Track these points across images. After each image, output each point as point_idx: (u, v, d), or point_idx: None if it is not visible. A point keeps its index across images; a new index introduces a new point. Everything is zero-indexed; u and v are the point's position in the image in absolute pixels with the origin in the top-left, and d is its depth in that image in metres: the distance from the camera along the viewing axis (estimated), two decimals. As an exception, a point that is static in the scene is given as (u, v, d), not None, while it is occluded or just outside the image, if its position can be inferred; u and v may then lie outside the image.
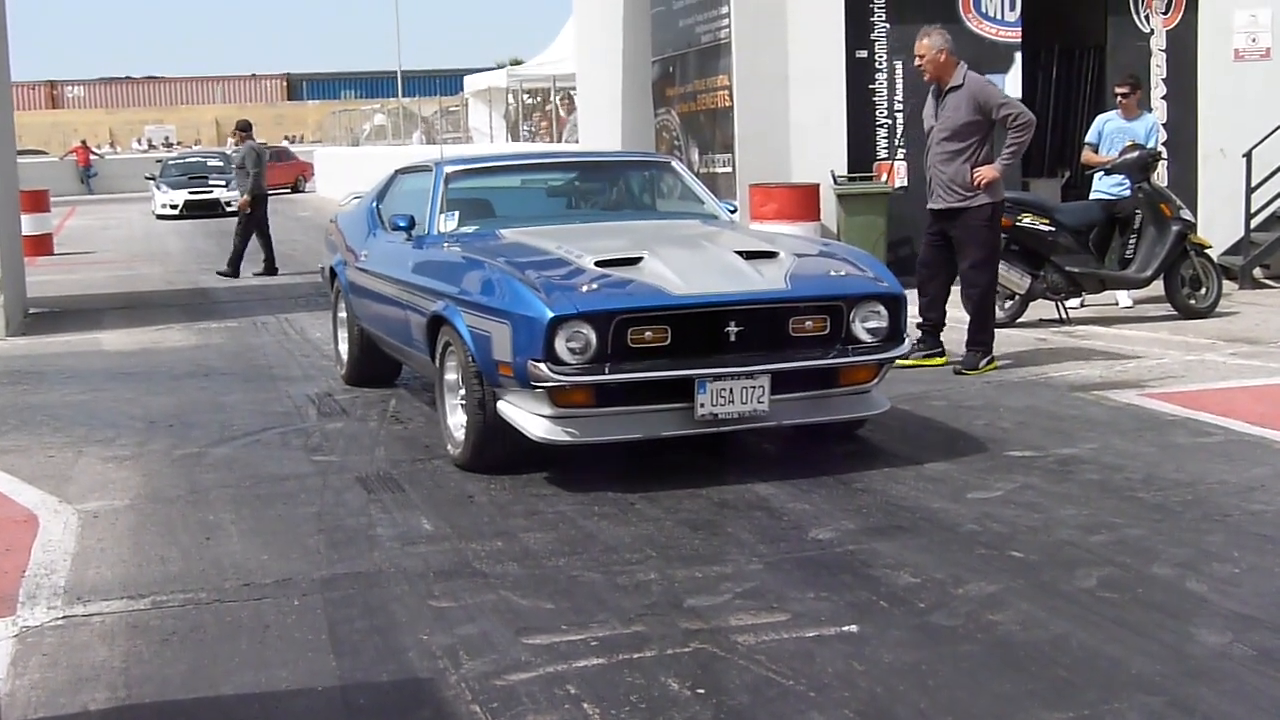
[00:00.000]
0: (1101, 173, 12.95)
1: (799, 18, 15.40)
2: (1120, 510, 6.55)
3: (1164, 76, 15.77)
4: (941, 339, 10.57)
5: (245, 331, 13.98)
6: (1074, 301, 12.71)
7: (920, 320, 10.37)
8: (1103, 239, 12.55)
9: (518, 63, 36.11)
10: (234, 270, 19.94)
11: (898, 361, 8.92)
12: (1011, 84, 15.39)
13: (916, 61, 10.43)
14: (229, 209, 36.11)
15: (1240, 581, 5.54)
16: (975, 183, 10.03)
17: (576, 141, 24.17)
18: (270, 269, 20.07)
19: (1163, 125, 14.80)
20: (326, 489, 7.43)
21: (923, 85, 15.09)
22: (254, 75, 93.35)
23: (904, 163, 15.48)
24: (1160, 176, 13.64)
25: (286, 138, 67.32)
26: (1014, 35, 15.42)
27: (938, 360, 10.40)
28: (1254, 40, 15.50)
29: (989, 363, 10.22)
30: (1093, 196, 13.11)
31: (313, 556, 6.22)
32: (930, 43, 10.24)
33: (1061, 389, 9.48)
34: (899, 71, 15.45)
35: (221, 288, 18.78)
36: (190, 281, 19.78)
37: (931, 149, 10.30)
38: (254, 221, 20.19)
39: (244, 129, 20.97)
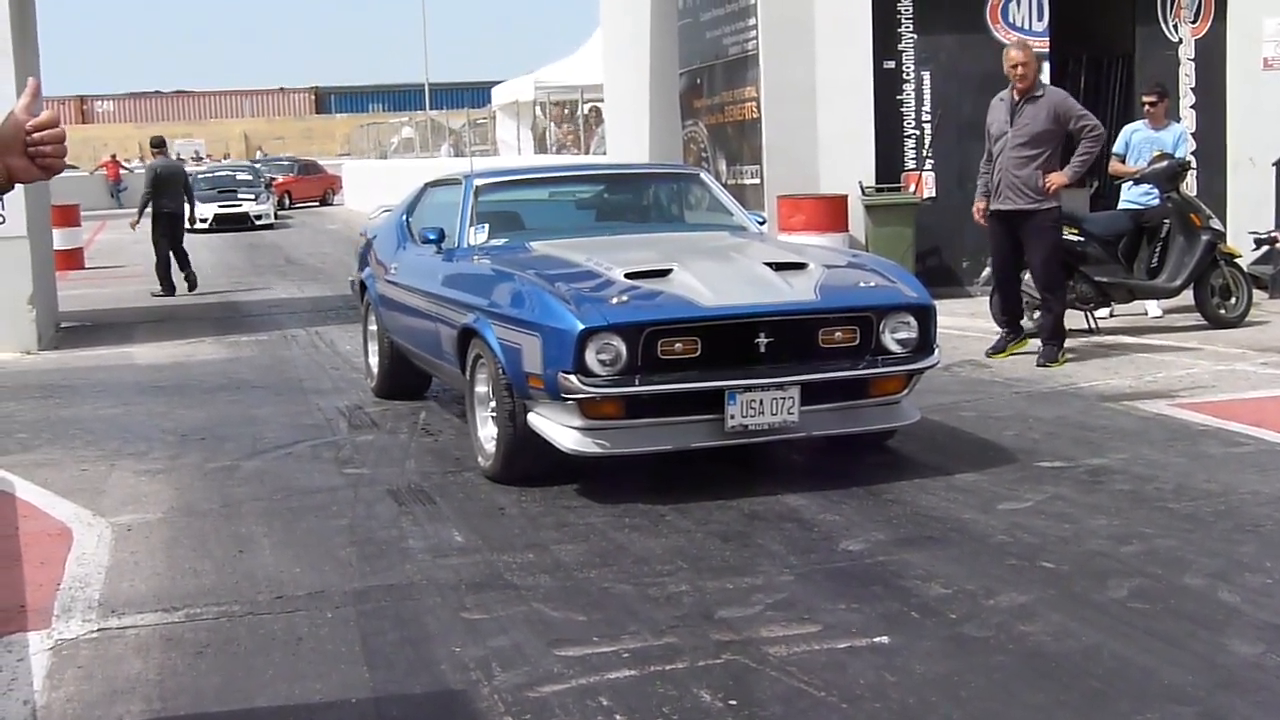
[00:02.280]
0: (1130, 182, 12.93)
1: (826, 29, 15.39)
2: (1151, 521, 6.53)
3: (1192, 85, 15.73)
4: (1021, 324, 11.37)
5: (275, 344, 14.04)
6: (1103, 311, 12.68)
7: (1002, 319, 11.29)
8: (1131, 249, 12.50)
9: (532, 72, 36.14)
10: (192, 283, 20.02)
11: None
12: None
13: (1019, 70, 10.75)
14: (258, 222, 36.31)
15: (1272, 592, 5.52)
16: (1047, 188, 10.63)
17: (604, 154, 24.20)
18: (169, 289, 19.97)
19: (1191, 134, 14.76)
20: (358, 501, 7.47)
21: (951, 95, 15.22)
22: (282, 89, 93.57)
23: (932, 173, 15.47)
24: (1189, 186, 13.59)
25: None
26: (1042, 45, 15.36)
27: (1026, 343, 11.17)
28: (1283, 49, 15.46)
29: (1062, 353, 10.94)
30: (1121, 206, 13.09)
31: (345, 569, 6.25)
32: (1032, 54, 10.94)
33: (1091, 399, 9.46)
34: (926, 82, 15.45)
35: (251, 301, 18.87)
36: (220, 295, 19.85)
37: (1005, 153, 10.76)
38: (171, 238, 20.09)
39: (157, 145, 20.90)
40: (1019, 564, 5.95)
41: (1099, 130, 10.79)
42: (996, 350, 11.14)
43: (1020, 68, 10.73)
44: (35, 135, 3.24)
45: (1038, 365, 10.73)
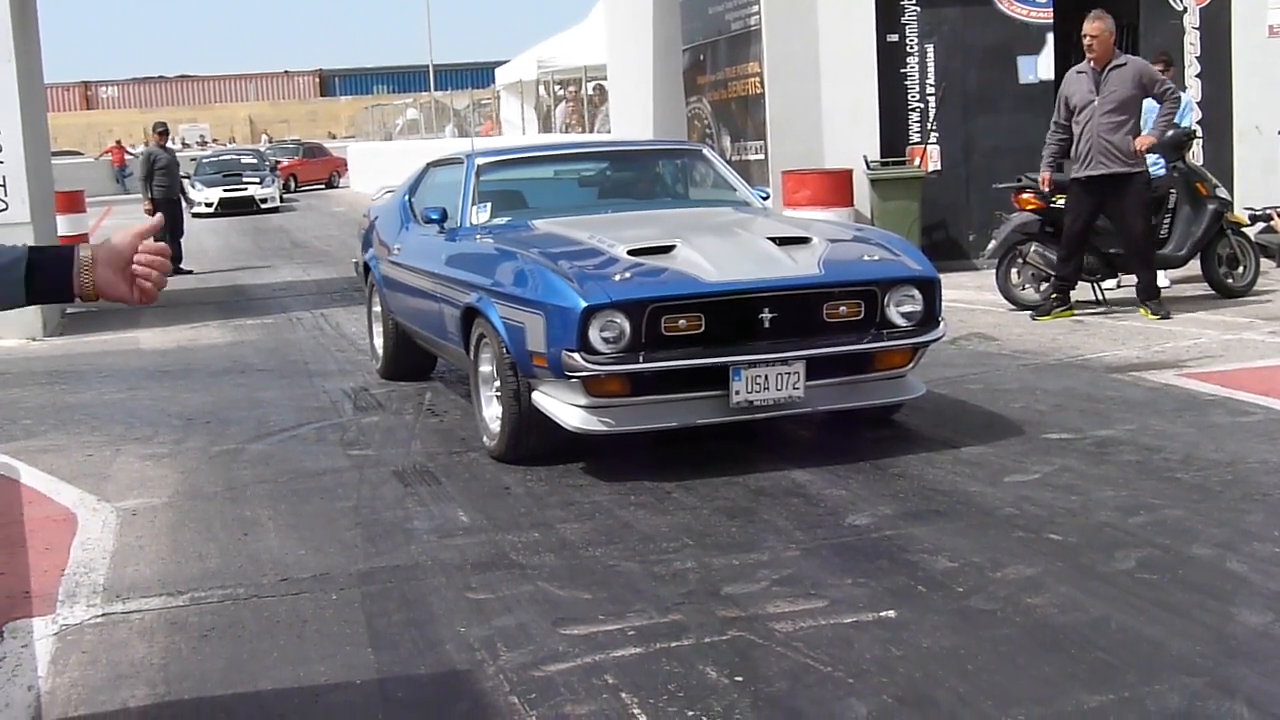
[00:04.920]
0: (1136, 152, 12.86)
1: (829, 3, 15.35)
2: (1159, 491, 6.51)
3: (1198, 54, 15.65)
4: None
5: (281, 327, 14.03)
6: (1110, 282, 12.63)
7: (1063, 282, 11.64)
8: (1138, 219, 12.45)
9: (535, 46, 36.23)
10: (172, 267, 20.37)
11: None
12: (1044, 65, 15.36)
13: (1087, 41, 11.29)
14: (263, 205, 36.34)
15: (1281, 561, 5.50)
16: (1138, 150, 11.14)
17: (608, 131, 24.15)
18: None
19: (1197, 103, 14.71)
20: (363, 483, 7.45)
21: (955, 68, 15.15)
22: (286, 72, 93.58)
23: (937, 147, 15.41)
24: (1195, 155, 13.54)
25: None
26: (1046, 16, 15.34)
27: (1071, 311, 11.64)
28: (1288, 16, 15.36)
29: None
30: (1128, 176, 13.01)
31: (350, 550, 6.23)
32: (1104, 25, 11.32)
33: (1098, 370, 9.43)
34: (930, 55, 15.38)
35: (256, 284, 18.85)
36: (226, 279, 19.86)
37: (1094, 120, 11.19)
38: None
39: (160, 131, 21.39)
40: (1026, 536, 5.92)
41: (1176, 92, 11.57)
42: (1044, 313, 11.57)
43: (1089, 38, 11.24)
44: (143, 258, 3.26)
45: (1161, 319, 11.21)
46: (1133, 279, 12.89)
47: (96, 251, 3.24)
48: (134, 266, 3.26)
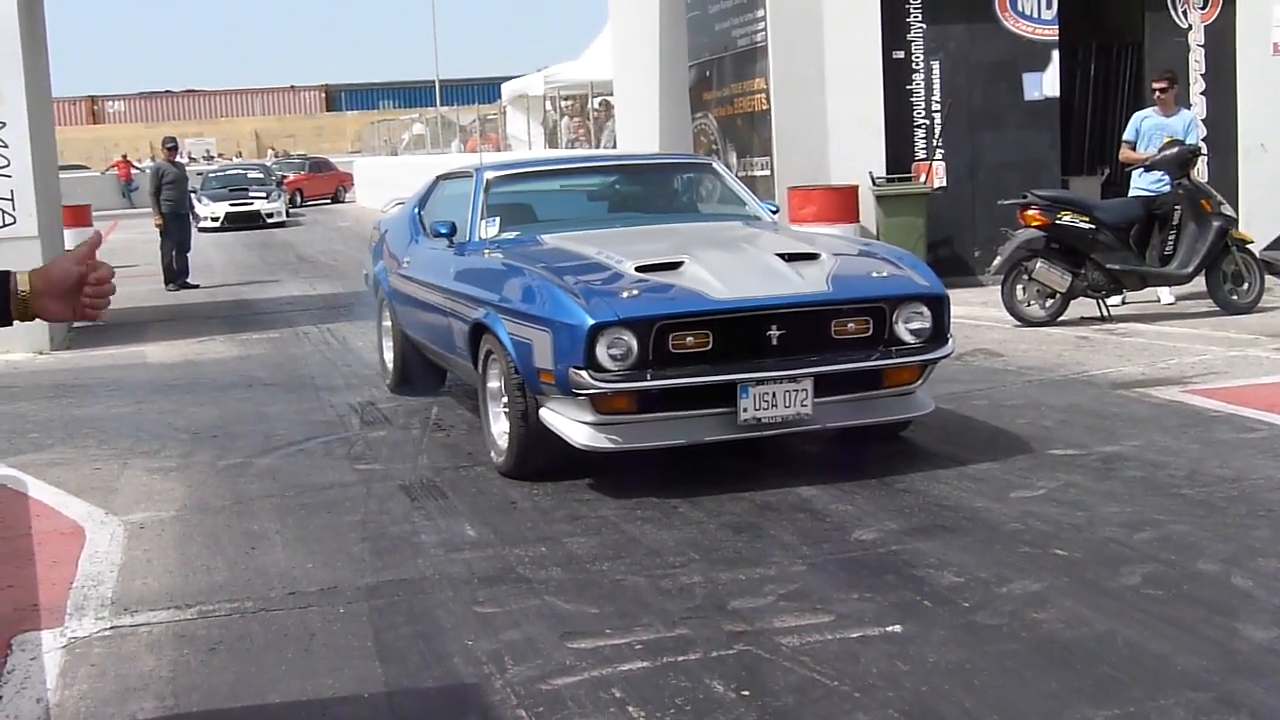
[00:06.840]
0: (1141, 169, 12.89)
1: (835, 20, 15.38)
2: (1164, 507, 6.52)
3: (1202, 71, 15.69)
4: None
5: (287, 342, 14.04)
6: (1115, 299, 12.66)
7: None
8: (1143, 236, 12.48)
9: (545, 68, 36.32)
10: (179, 281, 20.69)
11: None
12: (1049, 82, 15.37)
13: None
14: (269, 220, 36.39)
15: (1287, 577, 5.51)
16: None
17: (614, 147, 24.18)
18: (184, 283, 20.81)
19: (1202, 120, 14.71)
20: (370, 497, 7.46)
21: (960, 85, 15.18)
22: (293, 87, 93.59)
23: (942, 163, 15.44)
24: (1200, 172, 13.56)
25: None
26: (1051, 33, 15.36)
27: None
28: (1293, 33, 15.39)
29: None
30: (1132, 193, 13.04)
31: (357, 564, 6.25)
32: None
33: (1104, 386, 9.44)
34: (936, 71, 15.41)
35: (262, 299, 18.86)
36: (232, 293, 19.88)
37: None
38: (168, 236, 20.79)
39: (169, 147, 21.63)
40: (1032, 552, 5.93)
41: None
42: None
43: None
44: (92, 289, 3.29)
45: None
46: (1138, 295, 12.96)
47: (37, 282, 3.27)
48: (83, 299, 3.31)
